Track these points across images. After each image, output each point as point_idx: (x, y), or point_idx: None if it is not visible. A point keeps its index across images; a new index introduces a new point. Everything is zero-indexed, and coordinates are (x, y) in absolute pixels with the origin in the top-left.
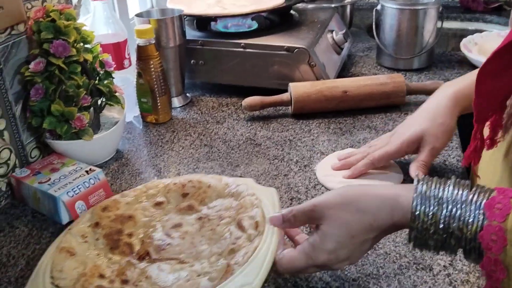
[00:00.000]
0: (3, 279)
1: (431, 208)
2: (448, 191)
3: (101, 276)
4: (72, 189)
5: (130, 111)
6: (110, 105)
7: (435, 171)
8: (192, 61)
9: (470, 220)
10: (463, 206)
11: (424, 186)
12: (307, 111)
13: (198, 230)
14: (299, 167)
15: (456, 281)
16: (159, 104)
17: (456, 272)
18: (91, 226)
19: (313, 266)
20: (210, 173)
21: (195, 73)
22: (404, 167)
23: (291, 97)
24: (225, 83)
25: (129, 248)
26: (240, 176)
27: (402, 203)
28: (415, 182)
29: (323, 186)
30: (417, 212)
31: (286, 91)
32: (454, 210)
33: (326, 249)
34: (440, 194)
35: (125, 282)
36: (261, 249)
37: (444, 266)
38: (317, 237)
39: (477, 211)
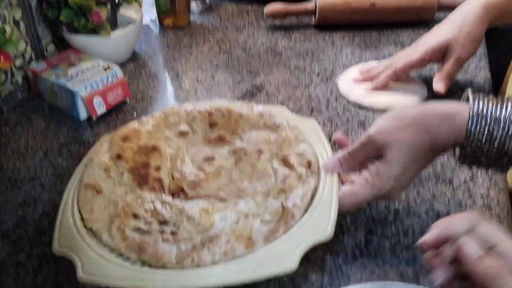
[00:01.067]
0: (21, 168)
1: (488, 127)
2: (505, 111)
3: (135, 216)
4: (90, 85)
5: (147, 13)
6: (128, 2)
7: (460, 89)
8: None
9: None
10: None
11: (481, 104)
12: (332, 23)
13: (235, 165)
14: (321, 78)
15: (476, 195)
16: (177, 6)
17: (477, 186)
18: (113, 159)
19: (375, 197)
20: (229, 80)
21: None
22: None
23: (316, 7)
24: None
25: (159, 183)
26: (260, 85)
27: (459, 121)
28: (471, 100)
29: (345, 98)
30: (473, 131)
31: (310, 0)
32: (510, 129)
33: (392, 176)
34: (497, 114)
35: (164, 223)
36: (324, 191)
37: (464, 180)
38: (381, 165)
39: None
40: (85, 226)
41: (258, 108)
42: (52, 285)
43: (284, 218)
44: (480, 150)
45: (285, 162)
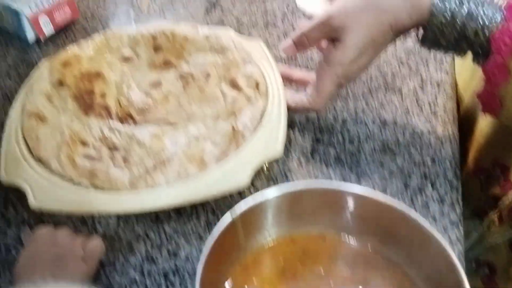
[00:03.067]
0: None
1: (452, 6)
2: None
3: (83, 143)
4: (35, 4)
5: None
6: None
7: None
8: None
9: (486, 23)
10: (483, 6)
11: None
12: None
13: (183, 90)
14: None
15: (423, 103)
16: None
17: (425, 95)
18: (55, 86)
19: (340, 85)
20: None
21: None
22: None
23: None
24: None
25: (106, 110)
26: (215, 1)
27: (422, 0)
28: None
29: (301, 11)
30: (437, 10)
31: None
32: (473, 9)
33: (349, 59)
34: None
35: (114, 149)
36: (272, 111)
37: (414, 88)
38: (337, 51)
39: (496, 12)
40: (32, 155)
41: (203, 30)
42: (2, 204)
43: (235, 140)
44: (442, 32)
45: (233, 84)
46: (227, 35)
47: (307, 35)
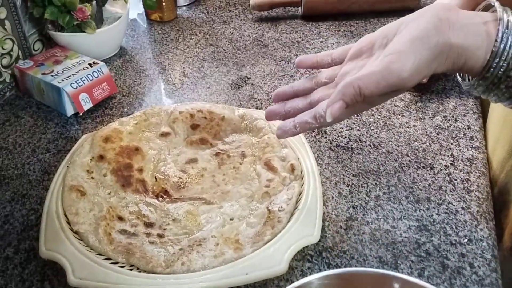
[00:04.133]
0: (9, 165)
1: None
2: None
3: (120, 218)
4: (76, 81)
5: (134, 7)
6: None
7: None
8: None
9: None
10: None
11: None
12: (318, 13)
13: (218, 168)
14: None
15: (456, 180)
16: (164, 0)
17: (457, 171)
18: (95, 160)
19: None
20: (215, 72)
21: None
22: None
23: None
24: None
25: (142, 185)
26: (246, 77)
27: (488, 29)
28: (499, 10)
29: None
30: (502, 47)
31: None
32: None
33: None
34: None
35: (149, 225)
36: (308, 195)
37: (445, 165)
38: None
39: None
40: (71, 229)
41: (239, 110)
42: (39, 278)
43: (270, 222)
44: (504, 73)
45: (269, 166)
46: (262, 116)
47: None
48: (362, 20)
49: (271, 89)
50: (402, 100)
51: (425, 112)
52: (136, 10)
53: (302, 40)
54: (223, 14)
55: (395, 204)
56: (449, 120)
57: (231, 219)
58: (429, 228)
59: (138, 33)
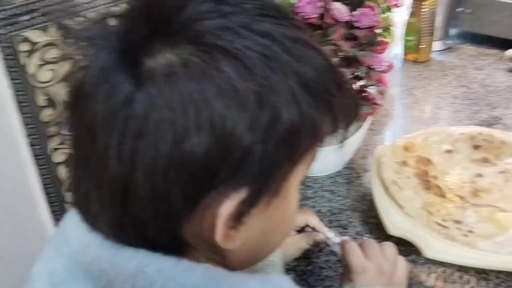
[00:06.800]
0: None
1: None
2: None
3: (430, 213)
4: None
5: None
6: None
7: None
8: (459, 9)
9: None
10: None
11: None
12: None
13: (504, 183)
14: None
15: None
16: (422, 43)
17: None
18: (400, 164)
19: None
20: (466, 109)
21: (458, 20)
22: None
23: None
24: (489, 33)
25: (439, 190)
26: (497, 117)
27: None
28: None
29: None
30: None
31: None
32: None
33: None
34: None
35: (458, 222)
36: None
37: None
38: None
39: None
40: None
41: None
42: None
43: None
44: None
45: None
46: None
47: None
48: None
49: None
50: None
51: None
52: (393, 50)
53: None
54: (475, 62)
55: None
56: None
57: None
58: None
59: (393, 70)
